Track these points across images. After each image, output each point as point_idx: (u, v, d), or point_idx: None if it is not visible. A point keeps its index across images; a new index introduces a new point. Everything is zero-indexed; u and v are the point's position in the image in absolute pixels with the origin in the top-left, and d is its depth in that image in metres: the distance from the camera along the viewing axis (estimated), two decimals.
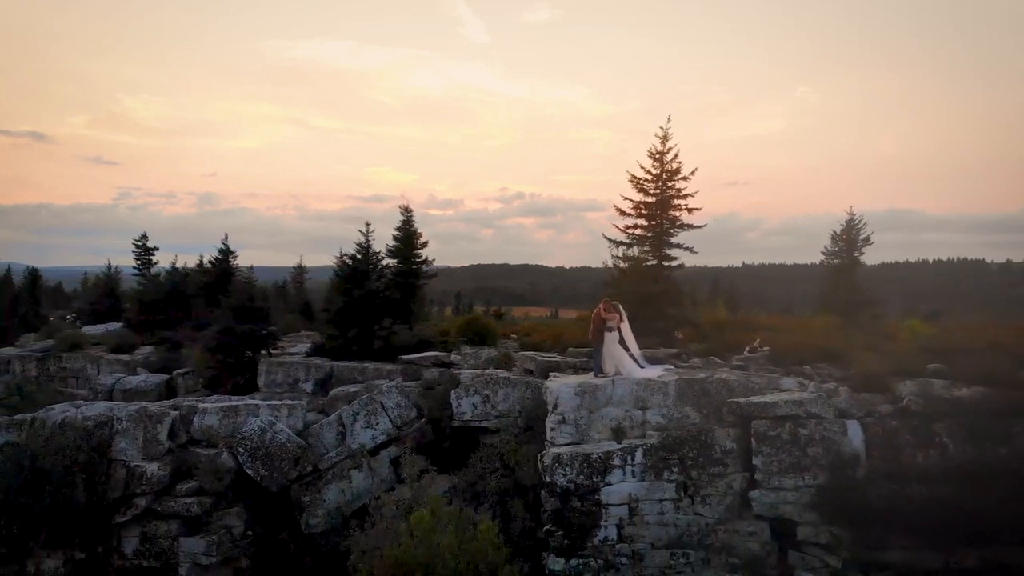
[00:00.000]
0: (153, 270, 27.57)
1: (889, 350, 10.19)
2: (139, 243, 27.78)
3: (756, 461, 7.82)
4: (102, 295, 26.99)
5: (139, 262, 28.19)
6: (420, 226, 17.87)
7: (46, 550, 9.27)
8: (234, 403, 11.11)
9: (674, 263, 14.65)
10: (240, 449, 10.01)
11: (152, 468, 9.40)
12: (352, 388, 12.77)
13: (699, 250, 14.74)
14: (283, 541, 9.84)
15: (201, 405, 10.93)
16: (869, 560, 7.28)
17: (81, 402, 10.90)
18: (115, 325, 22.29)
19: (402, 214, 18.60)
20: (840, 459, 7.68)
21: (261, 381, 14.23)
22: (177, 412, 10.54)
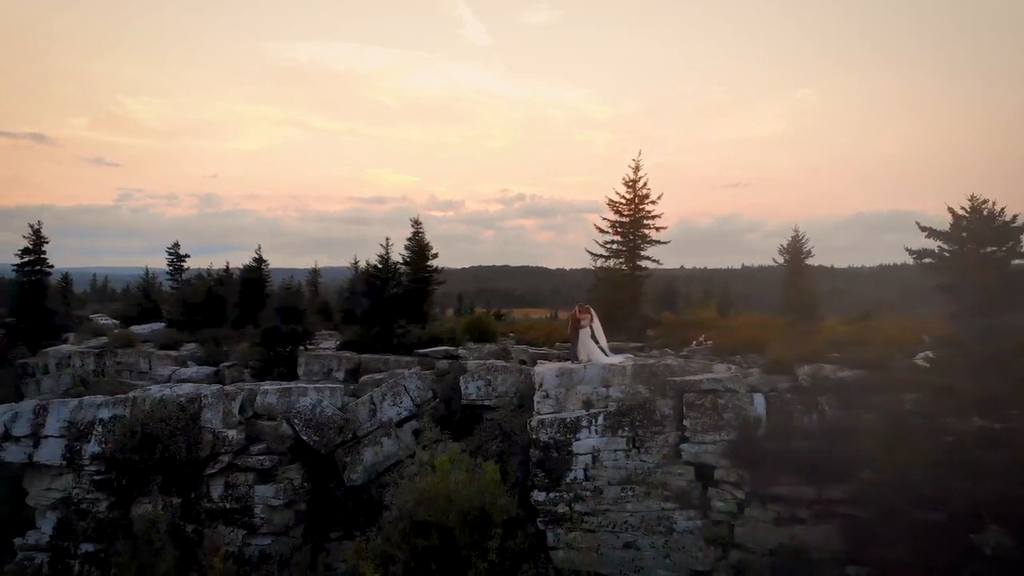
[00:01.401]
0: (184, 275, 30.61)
1: (804, 342, 13.02)
2: (171, 251, 30.85)
3: (686, 422, 10.64)
4: (142, 298, 29.88)
5: (172, 268, 31.23)
6: (424, 230, 20.85)
7: (147, 497, 12.10)
8: (288, 385, 13.98)
9: (644, 272, 17.51)
10: (296, 420, 12.86)
11: (232, 433, 12.25)
12: (378, 375, 15.61)
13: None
14: (331, 490, 12.70)
15: (262, 387, 13.78)
16: (764, 493, 10.08)
17: (168, 384, 13.75)
18: (159, 325, 25.14)
19: (413, 226, 21.55)
20: (747, 421, 10.49)
21: (300, 371, 17.07)
22: (244, 392, 13.39)
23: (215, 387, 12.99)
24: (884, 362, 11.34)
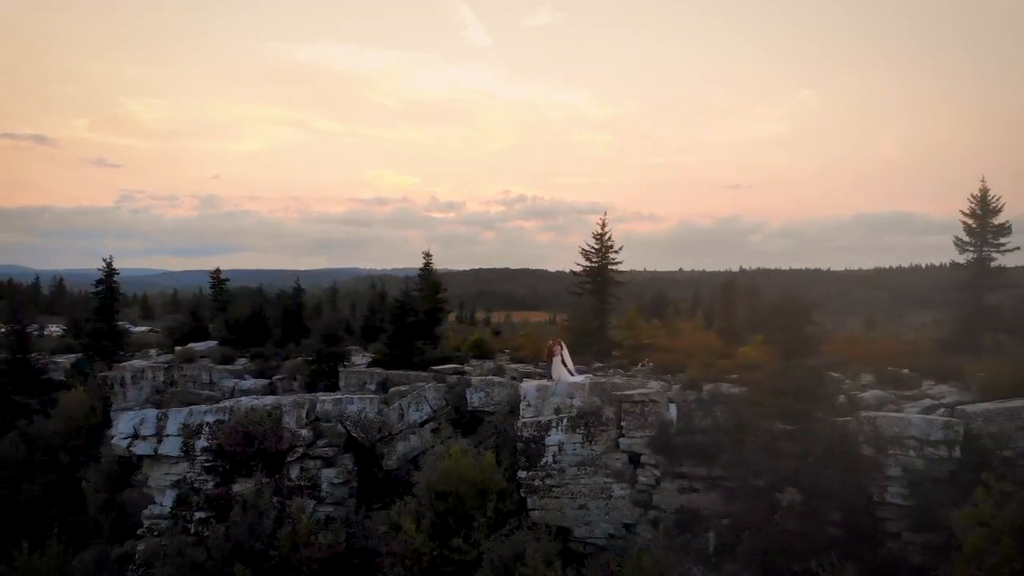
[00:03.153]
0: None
1: (715, 366, 17.85)
2: (214, 276, 35.74)
3: (623, 423, 15.46)
4: (189, 318, 34.73)
5: (214, 289, 36.15)
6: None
7: (247, 477, 16.91)
8: (338, 396, 18.82)
9: (609, 306, 22.41)
10: (347, 422, 17.71)
11: (304, 432, 17.11)
12: (403, 388, 20.36)
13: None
14: (373, 473, 17.55)
15: (320, 397, 18.62)
16: (673, 472, 14.88)
17: (256, 396, 18.61)
18: (212, 343, 29.96)
19: (424, 258, 26.47)
20: (664, 423, 15.30)
21: (341, 384, 21.85)
22: (308, 403, 18.23)
23: (291, 398, 17.88)
24: (764, 381, 16.18)
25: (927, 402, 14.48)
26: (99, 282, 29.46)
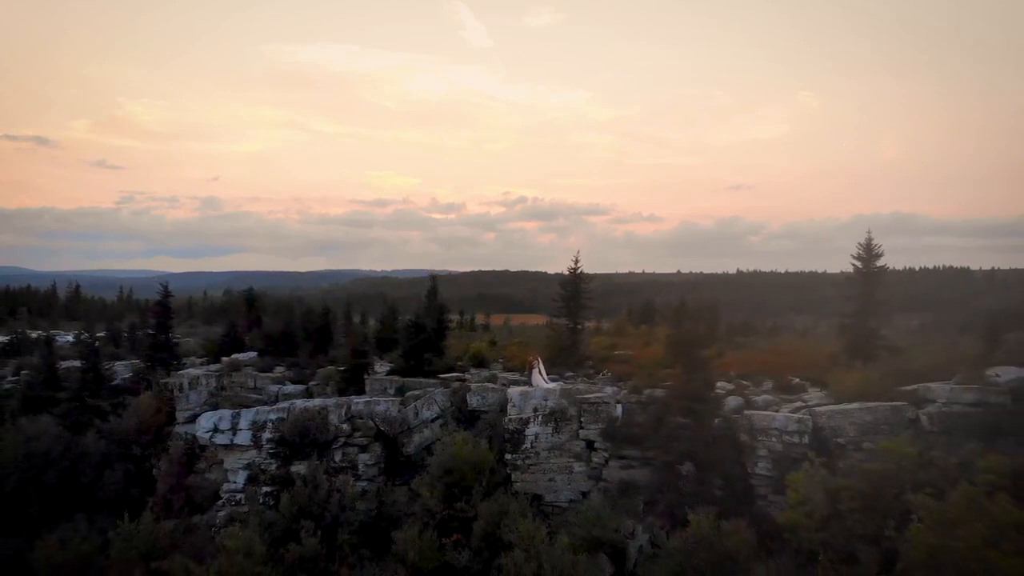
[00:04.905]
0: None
1: (656, 375, 23.39)
2: (248, 293, 41.30)
3: (582, 419, 21.03)
4: (226, 333, 40.24)
5: (248, 305, 41.68)
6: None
7: (302, 461, 22.43)
8: (368, 399, 24.38)
9: (582, 327, 28.01)
10: (376, 419, 23.28)
11: (344, 426, 22.68)
12: (416, 392, 25.95)
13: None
14: (396, 456, 23.13)
15: (353, 400, 24.17)
16: (617, 454, 20.43)
17: (305, 399, 24.20)
18: (252, 353, 35.50)
19: (430, 281, 32.09)
20: (612, 418, 20.85)
21: (367, 389, 27.43)
22: (346, 404, 23.77)
23: (332, 400, 23.50)
24: (677, 385, 21.74)
25: (798, 404, 20.11)
26: (158, 303, 35.01)
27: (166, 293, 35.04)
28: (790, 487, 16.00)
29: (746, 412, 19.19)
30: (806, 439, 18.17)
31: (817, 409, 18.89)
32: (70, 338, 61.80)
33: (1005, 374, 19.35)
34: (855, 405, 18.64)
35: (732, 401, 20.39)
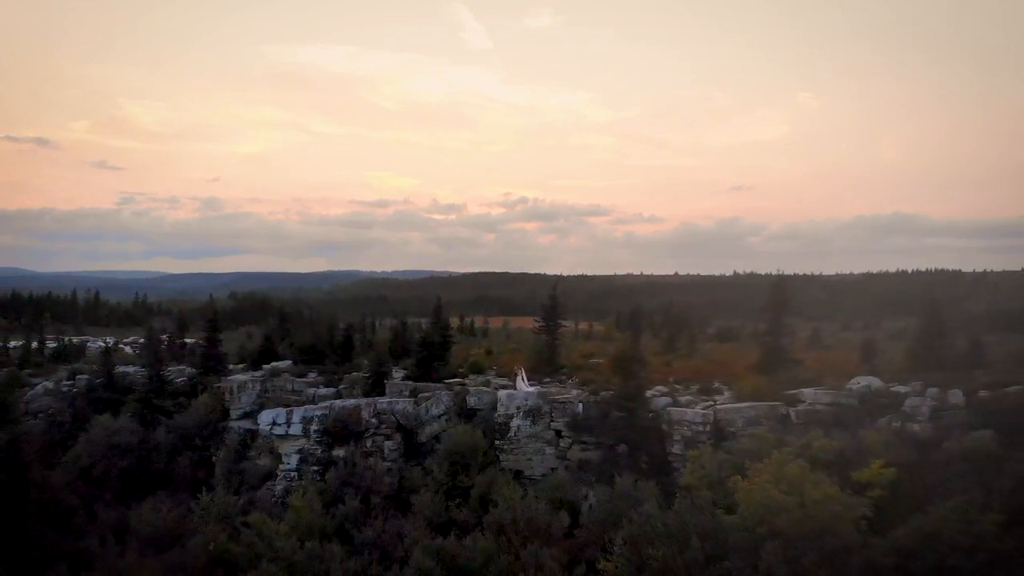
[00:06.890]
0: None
1: (612, 379, 30.53)
2: (280, 317, 48.34)
3: (553, 414, 28.20)
4: (261, 347, 47.25)
5: (280, 321, 48.74)
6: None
7: (343, 446, 29.51)
8: (389, 399, 31.52)
9: (559, 339, 35.23)
10: (397, 415, 30.44)
11: (373, 420, 29.84)
12: (426, 393, 33.10)
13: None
14: (413, 444, 30.28)
15: (378, 401, 31.30)
16: (578, 440, 27.57)
17: (343, 400, 31.40)
18: (287, 361, 42.60)
19: (434, 304, 39.35)
20: (575, 413, 28.01)
21: (387, 392, 34.56)
22: (373, 404, 30.89)
23: (364, 400, 30.71)
24: (620, 387, 28.97)
25: (710, 403, 27.32)
26: (208, 320, 42.19)
27: (214, 316, 42.19)
28: (690, 460, 23.16)
29: (668, 408, 26.42)
30: (708, 428, 25.35)
31: (719, 407, 26.10)
32: (100, 343, 68.59)
33: (861, 382, 26.57)
34: (745, 404, 25.83)
35: (662, 401, 27.61)
